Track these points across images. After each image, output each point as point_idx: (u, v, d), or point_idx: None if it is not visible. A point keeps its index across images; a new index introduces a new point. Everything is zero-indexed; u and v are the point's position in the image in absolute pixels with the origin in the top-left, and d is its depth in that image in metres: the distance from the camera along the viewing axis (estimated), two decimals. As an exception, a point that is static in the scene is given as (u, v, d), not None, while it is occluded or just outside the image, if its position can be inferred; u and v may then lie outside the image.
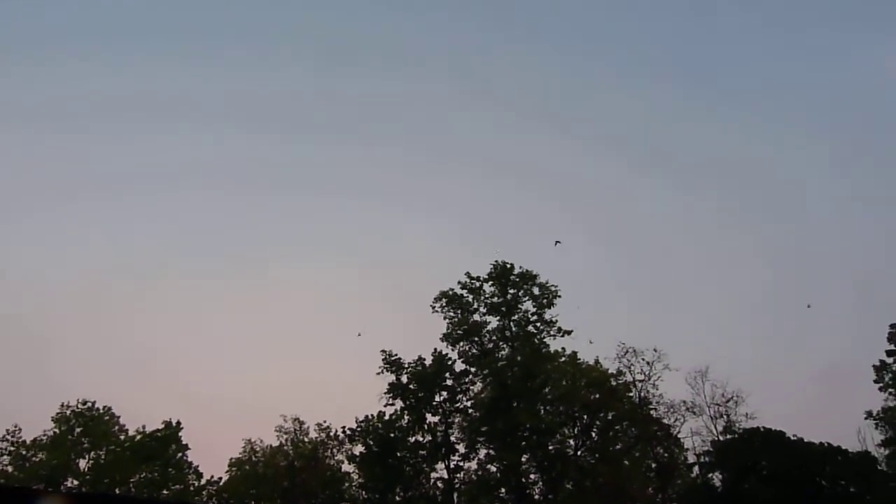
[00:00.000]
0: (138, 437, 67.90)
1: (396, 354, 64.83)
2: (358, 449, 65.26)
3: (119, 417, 68.94)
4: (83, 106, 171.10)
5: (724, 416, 58.98)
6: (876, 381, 64.10)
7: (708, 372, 60.05)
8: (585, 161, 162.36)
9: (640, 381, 59.95)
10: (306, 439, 68.40)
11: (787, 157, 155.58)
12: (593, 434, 60.32)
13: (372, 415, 65.14)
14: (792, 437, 54.75)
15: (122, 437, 67.88)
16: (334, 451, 67.69)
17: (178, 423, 69.45)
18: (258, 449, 69.43)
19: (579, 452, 60.06)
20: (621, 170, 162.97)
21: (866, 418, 63.44)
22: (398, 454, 62.36)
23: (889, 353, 61.71)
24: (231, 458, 69.84)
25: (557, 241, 64.00)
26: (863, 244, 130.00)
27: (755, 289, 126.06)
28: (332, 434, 68.05)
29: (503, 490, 60.12)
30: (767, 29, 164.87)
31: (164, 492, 64.69)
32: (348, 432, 65.95)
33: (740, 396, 58.81)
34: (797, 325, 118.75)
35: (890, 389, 62.63)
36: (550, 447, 59.46)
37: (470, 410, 63.21)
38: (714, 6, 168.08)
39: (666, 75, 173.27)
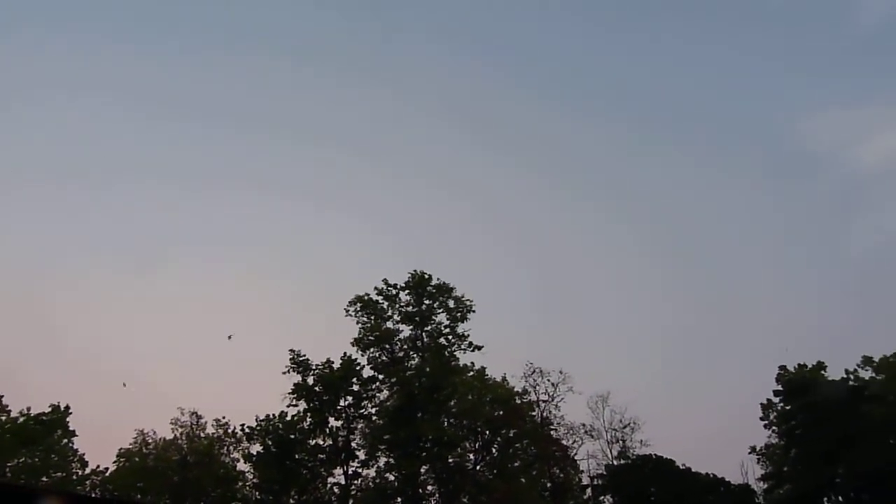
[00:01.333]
0: (21, 419, 64.15)
1: (305, 355, 63.73)
2: (255, 448, 63.56)
3: (2, 397, 64.98)
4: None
5: (620, 442, 60.96)
6: (762, 419, 67.85)
7: (609, 397, 62.00)
8: (512, 179, 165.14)
9: (544, 401, 61.19)
10: (202, 434, 66.35)
11: (710, 191, 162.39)
12: (494, 450, 61.00)
13: (273, 414, 63.76)
14: (681, 466, 57.09)
15: (4, 419, 63.93)
16: (230, 448, 65.97)
17: (67, 407, 65.91)
18: (150, 441, 66.89)
19: (478, 467, 60.61)
20: (543, 191, 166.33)
21: (750, 453, 67.24)
22: (296, 456, 61.14)
23: (776, 393, 65.09)
24: (120, 449, 67.08)
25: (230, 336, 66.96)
26: (775, 287, 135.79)
27: (664, 320, 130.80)
28: (229, 431, 66.31)
29: (399, 499, 59.84)
30: (690, 58, 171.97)
31: (44, 479, 61.21)
32: (247, 430, 64.24)
33: (637, 423, 60.95)
34: (699, 360, 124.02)
35: (774, 427, 66.17)
36: (450, 460, 59.75)
37: (374, 417, 62.77)
38: (642, 34, 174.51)
39: (602, 104, 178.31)
